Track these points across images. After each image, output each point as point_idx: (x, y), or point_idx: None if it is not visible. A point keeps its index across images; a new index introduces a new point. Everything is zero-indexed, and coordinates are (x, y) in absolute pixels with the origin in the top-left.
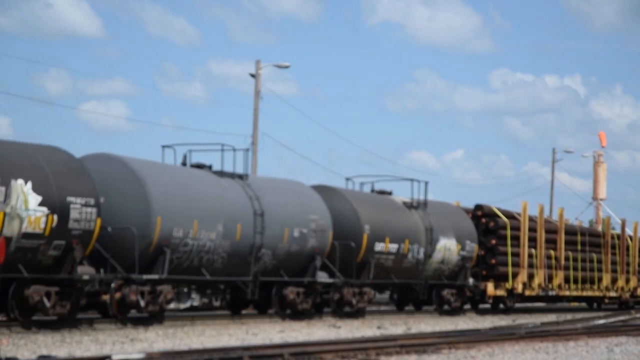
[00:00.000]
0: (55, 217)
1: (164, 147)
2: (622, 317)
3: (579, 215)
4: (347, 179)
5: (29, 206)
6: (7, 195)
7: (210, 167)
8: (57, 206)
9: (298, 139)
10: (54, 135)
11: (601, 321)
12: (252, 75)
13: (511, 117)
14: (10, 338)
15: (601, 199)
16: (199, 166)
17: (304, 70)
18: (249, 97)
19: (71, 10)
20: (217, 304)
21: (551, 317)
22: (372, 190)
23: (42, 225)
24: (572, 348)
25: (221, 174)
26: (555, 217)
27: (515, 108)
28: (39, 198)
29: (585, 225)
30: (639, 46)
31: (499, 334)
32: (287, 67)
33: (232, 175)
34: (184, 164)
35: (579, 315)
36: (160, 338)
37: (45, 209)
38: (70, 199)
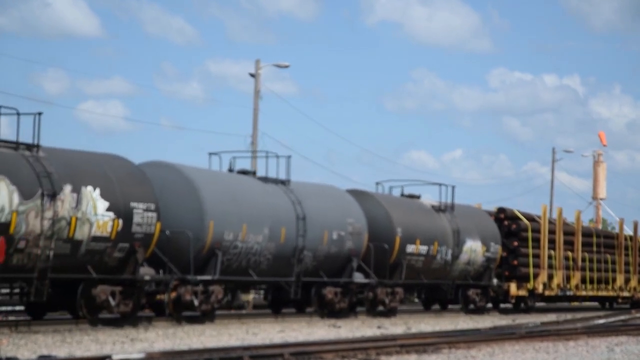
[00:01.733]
0: (121, 221)
1: (210, 154)
2: (622, 317)
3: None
4: (377, 184)
5: (97, 211)
6: (78, 201)
7: (254, 173)
8: (121, 211)
9: (297, 139)
10: (52, 135)
11: (601, 321)
12: (252, 75)
13: (510, 117)
14: (10, 338)
15: (601, 199)
16: (245, 172)
17: (302, 70)
18: (247, 97)
19: (69, 9)
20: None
21: (551, 317)
22: (402, 194)
23: (109, 229)
24: (572, 348)
25: (265, 179)
26: (554, 217)
27: (515, 108)
28: (106, 204)
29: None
30: (638, 46)
31: (499, 333)
32: (286, 66)
33: (275, 181)
34: (230, 170)
35: (578, 315)
36: (160, 338)
37: (111, 214)
38: (133, 204)
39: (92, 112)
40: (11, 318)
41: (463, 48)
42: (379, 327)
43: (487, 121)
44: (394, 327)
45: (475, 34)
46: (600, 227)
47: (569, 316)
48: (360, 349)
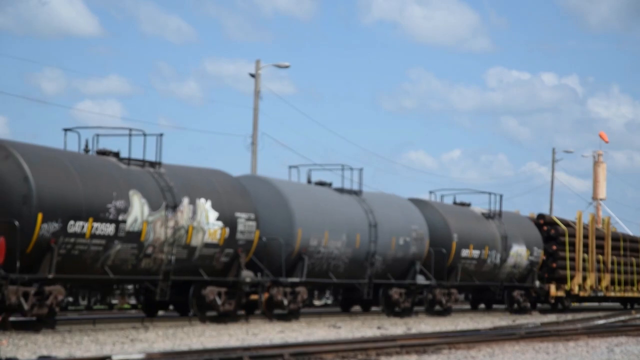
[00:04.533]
0: (227, 229)
1: (290, 167)
2: (622, 317)
3: None
4: (431, 192)
5: (209, 220)
6: (194, 212)
7: (330, 185)
8: (228, 220)
9: (295, 138)
10: (50, 135)
11: (601, 321)
12: (252, 75)
13: (509, 117)
14: (10, 338)
15: (601, 199)
16: (322, 184)
17: (300, 69)
18: (244, 96)
19: (66, 9)
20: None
21: (551, 318)
22: (454, 202)
23: (218, 237)
24: (572, 348)
25: (341, 190)
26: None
27: (513, 107)
28: (216, 214)
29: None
30: (636, 45)
31: (499, 334)
32: (287, 67)
33: (350, 192)
34: (309, 181)
35: (579, 316)
36: (160, 338)
37: (220, 223)
38: (237, 214)
39: (89, 111)
40: (12, 318)
41: (460, 47)
42: (379, 328)
43: (485, 121)
44: (394, 327)
45: (473, 33)
46: (600, 226)
47: (569, 317)
48: (360, 350)
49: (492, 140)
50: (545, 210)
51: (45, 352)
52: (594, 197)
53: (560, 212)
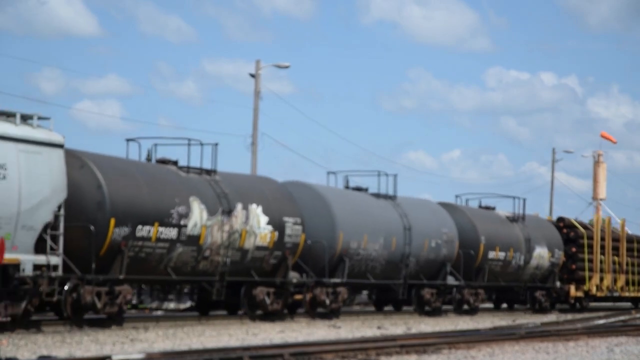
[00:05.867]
0: (276, 233)
1: (329, 173)
2: (622, 317)
3: (579, 216)
4: (457, 196)
5: (260, 225)
6: (247, 217)
7: (366, 190)
8: (277, 224)
9: (294, 138)
10: None
11: (601, 321)
12: (252, 76)
13: (508, 117)
14: (10, 338)
15: (601, 199)
16: (358, 189)
17: (299, 69)
18: (244, 96)
19: (65, 8)
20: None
21: (551, 317)
22: (479, 206)
23: (268, 240)
24: (572, 348)
25: (377, 195)
26: (555, 217)
27: (513, 107)
28: (266, 218)
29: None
30: (636, 45)
31: (499, 334)
32: (287, 67)
33: (385, 197)
34: (346, 187)
35: (579, 316)
36: (160, 338)
37: (270, 227)
38: (285, 218)
39: (88, 111)
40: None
41: (460, 47)
42: (378, 328)
43: (485, 121)
44: (394, 327)
45: (472, 33)
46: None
47: (569, 316)
48: (360, 350)
49: (492, 141)
50: (545, 210)
51: (45, 352)
52: (594, 197)
53: (561, 212)
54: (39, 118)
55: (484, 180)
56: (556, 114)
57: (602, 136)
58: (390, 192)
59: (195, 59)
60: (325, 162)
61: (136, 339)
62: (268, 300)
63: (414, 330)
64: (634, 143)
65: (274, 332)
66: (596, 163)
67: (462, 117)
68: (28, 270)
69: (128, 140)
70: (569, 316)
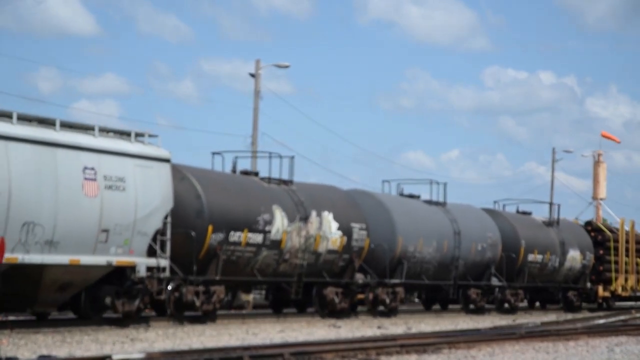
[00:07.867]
0: (345, 238)
1: (384, 181)
2: (622, 317)
3: (579, 215)
4: (495, 202)
5: (331, 230)
6: (320, 223)
7: (419, 197)
8: (345, 230)
9: (293, 137)
10: None
11: (601, 321)
12: (252, 75)
13: (507, 116)
14: (10, 338)
15: (601, 199)
16: (412, 196)
17: (297, 69)
18: (242, 96)
19: (62, 8)
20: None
21: (551, 317)
22: (517, 211)
23: (338, 244)
24: (572, 348)
25: (429, 202)
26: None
27: (511, 107)
28: (337, 224)
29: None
30: (634, 45)
31: (499, 333)
32: (286, 67)
33: (437, 203)
34: (401, 194)
35: (579, 316)
36: (160, 338)
37: (340, 232)
38: (352, 224)
39: (86, 110)
40: (11, 318)
41: (458, 47)
42: (379, 327)
43: (483, 120)
44: (394, 327)
45: (470, 32)
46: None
47: (569, 316)
48: (360, 349)
49: (491, 140)
50: (545, 210)
51: (45, 352)
52: (594, 197)
53: (561, 212)
54: (150, 136)
55: (483, 181)
56: (555, 113)
57: (604, 136)
58: (441, 199)
59: (192, 59)
60: (325, 161)
61: (136, 338)
62: (337, 300)
63: (414, 330)
64: (634, 143)
65: (274, 332)
66: (596, 163)
67: (460, 117)
68: (142, 272)
69: (214, 153)
70: (569, 316)
